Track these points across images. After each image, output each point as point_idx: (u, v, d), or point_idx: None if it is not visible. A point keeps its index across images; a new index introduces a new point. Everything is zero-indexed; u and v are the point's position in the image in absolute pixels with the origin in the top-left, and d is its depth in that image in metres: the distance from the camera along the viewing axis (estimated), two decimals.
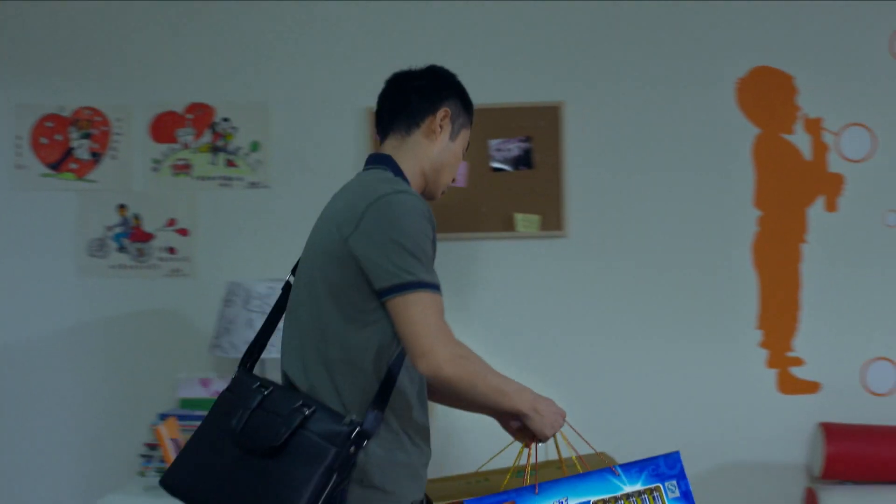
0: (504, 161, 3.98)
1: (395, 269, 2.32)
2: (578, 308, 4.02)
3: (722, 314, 3.98)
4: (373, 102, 4.00)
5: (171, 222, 4.13)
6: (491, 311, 4.05)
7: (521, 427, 2.66)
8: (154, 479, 3.62)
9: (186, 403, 3.84)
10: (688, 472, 3.98)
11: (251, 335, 3.60)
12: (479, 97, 3.98)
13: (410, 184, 2.60)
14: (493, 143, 3.97)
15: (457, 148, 2.74)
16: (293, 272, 2.66)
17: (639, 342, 4.00)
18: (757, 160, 3.96)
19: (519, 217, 3.96)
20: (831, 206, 3.94)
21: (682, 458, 3.90)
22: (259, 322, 3.58)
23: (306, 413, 2.31)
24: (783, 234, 3.96)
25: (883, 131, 3.92)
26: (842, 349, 3.94)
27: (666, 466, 2.96)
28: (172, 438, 3.44)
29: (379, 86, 4.01)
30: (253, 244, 4.12)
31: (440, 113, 2.68)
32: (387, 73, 4.03)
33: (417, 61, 4.02)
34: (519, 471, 2.85)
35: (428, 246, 2.39)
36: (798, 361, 3.95)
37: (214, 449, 2.42)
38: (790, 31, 3.94)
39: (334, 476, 2.25)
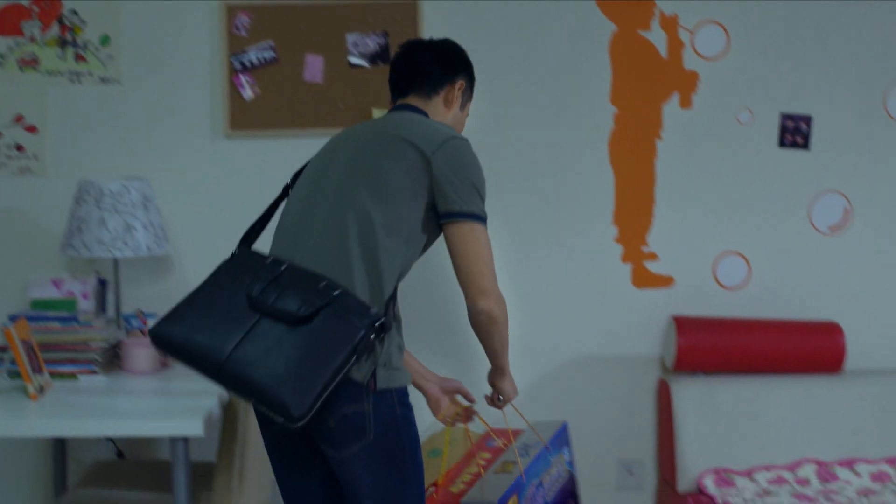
0: (361, 56, 3.92)
1: (471, 199, 2.68)
2: None
3: (578, 210, 4.03)
4: None
5: (19, 118, 3.99)
6: None
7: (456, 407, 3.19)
8: (4, 381, 3.53)
9: (38, 304, 3.74)
10: (546, 365, 4.10)
11: (104, 234, 3.58)
12: None
13: None
14: (350, 37, 3.91)
15: (464, 117, 3.06)
16: (292, 181, 2.90)
17: (496, 238, 4.02)
18: (613, 57, 3.99)
19: (376, 112, 3.92)
20: (686, 103, 4.00)
21: (541, 352, 4.04)
22: (112, 220, 3.60)
23: (335, 294, 2.52)
24: (638, 131, 4.01)
25: (735, 30, 3.97)
26: (694, 244, 4.04)
27: (563, 436, 3.33)
28: (23, 340, 3.35)
29: None
30: (105, 141, 4.00)
31: (458, 84, 2.98)
32: None
33: None
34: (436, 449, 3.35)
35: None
36: (652, 256, 4.03)
37: (220, 309, 2.58)
38: None
39: (353, 357, 2.47)
